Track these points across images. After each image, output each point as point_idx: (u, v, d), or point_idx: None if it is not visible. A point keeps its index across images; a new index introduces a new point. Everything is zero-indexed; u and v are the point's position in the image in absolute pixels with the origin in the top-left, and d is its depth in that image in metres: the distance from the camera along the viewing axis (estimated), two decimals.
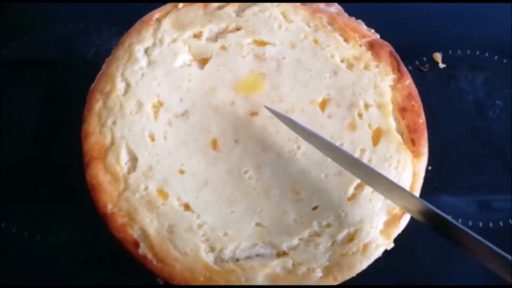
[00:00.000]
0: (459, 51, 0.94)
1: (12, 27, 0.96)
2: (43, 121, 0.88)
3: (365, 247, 0.68)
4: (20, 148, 0.87)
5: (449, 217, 0.64)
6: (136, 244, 0.68)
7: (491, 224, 0.82)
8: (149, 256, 0.68)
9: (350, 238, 0.68)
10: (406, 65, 0.79)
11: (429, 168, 0.79)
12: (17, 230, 0.82)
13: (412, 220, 0.71)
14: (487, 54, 0.93)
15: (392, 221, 0.70)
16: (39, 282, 0.78)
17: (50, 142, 0.87)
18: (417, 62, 0.92)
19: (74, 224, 0.82)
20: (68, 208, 0.83)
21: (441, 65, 0.92)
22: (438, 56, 0.93)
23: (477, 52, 0.93)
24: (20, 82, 0.91)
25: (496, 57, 0.93)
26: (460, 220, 0.82)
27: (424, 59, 0.93)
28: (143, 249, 0.68)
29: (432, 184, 0.81)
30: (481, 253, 0.62)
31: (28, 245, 0.81)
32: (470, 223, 0.82)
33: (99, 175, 0.71)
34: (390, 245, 0.69)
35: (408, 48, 0.90)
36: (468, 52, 0.93)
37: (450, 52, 0.93)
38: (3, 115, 0.89)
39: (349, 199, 0.70)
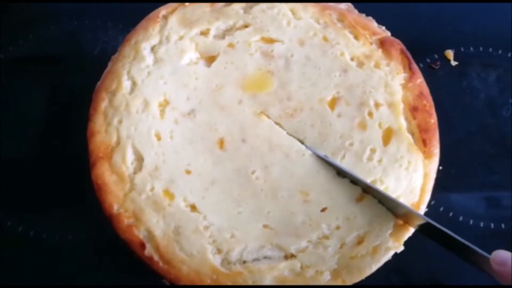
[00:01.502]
0: (471, 48, 0.92)
1: (18, 24, 0.95)
2: (49, 119, 0.87)
3: (375, 250, 0.67)
4: (26, 146, 0.86)
5: (444, 228, 0.65)
6: (142, 245, 0.67)
7: (503, 225, 0.80)
8: (155, 257, 0.67)
9: (360, 241, 0.67)
10: (417, 63, 0.77)
11: (440, 167, 0.78)
12: (23, 229, 0.81)
13: None
14: (500, 51, 0.91)
15: (402, 223, 0.68)
16: (45, 280, 0.78)
17: (56, 141, 0.86)
18: (428, 60, 0.90)
19: (80, 223, 0.81)
20: (75, 208, 0.82)
21: (453, 63, 0.90)
22: (450, 53, 0.91)
23: (490, 49, 0.91)
24: (26, 79, 0.90)
25: (509, 54, 0.91)
26: (471, 221, 0.81)
27: (436, 56, 0.91)
28: (149, 250, 0.67)
29: (442, 183, 0.79)
30: (481, 262, 0.63)
31: (34, 244, 0.80)
32: (481, 224, 0.80)
33: (105, 175, 0.70)
34: (400, 248, 0.68)
35: (419, 45, 0.89)
36: (481, 49, 0.91)
37: (462, 49, 0.91)
38: (9, 113, 0.88)
39: (358, 200, 0.69)
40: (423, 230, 0.68)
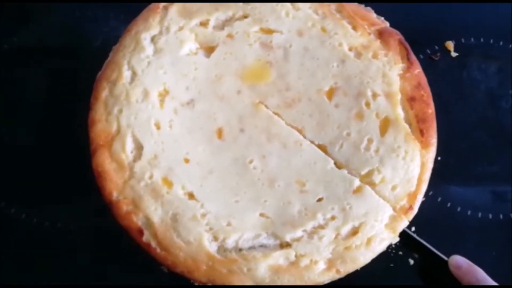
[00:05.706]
0: (472, 39, 0.91)
1: (21, 15, 0.95)
2: (51, 109, 0.88)
3: (369, 240, 0.67)
4: (28, 135, 0.87)
5: (411, 232, 0.77)
6: (140, 232, 0.68)
7: (501, 216, 0.81)
8: (153, 244, 0.68)
9: (355, 232, 0.68)
10: (417, 54, 0.77)
11: (438, 158, 0.78)
12: (26, 216, 0.83)
13: (421, 216, 0.72)
14: (501, 43, 0.91)
15: (397, 214, 0.69)
16: (47, 268, 0.80)
17: (58, 130, 0.87)
18: (428, 51, 0.90)
19: (82, 211, 0.82)
20: (77, 196, 0.83)
21: (453, 54, 0.90)
22: (450, 45, 0.90)
23: (491, 40, 0.91)
24: (28, 69, 0.91)
25: (510, 46, 0.90)
26: (469, 212, 0.81)
27: (436, 47, 0.91)
28: (147, 237, 0.68)
29: (441, 174, 0.80)
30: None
31: (36, 231, 0.82)
32: (479, 214, 0.81)
33: (105, 163, 0.71)
34: (395, 239, 0.69)
35: (420, 36, 0.88)
36: (482, 40, 0.91)
37: (463, 40, 0.91)
38: (12, 102, 0.89)
39: (355, 191, 0.69)
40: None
